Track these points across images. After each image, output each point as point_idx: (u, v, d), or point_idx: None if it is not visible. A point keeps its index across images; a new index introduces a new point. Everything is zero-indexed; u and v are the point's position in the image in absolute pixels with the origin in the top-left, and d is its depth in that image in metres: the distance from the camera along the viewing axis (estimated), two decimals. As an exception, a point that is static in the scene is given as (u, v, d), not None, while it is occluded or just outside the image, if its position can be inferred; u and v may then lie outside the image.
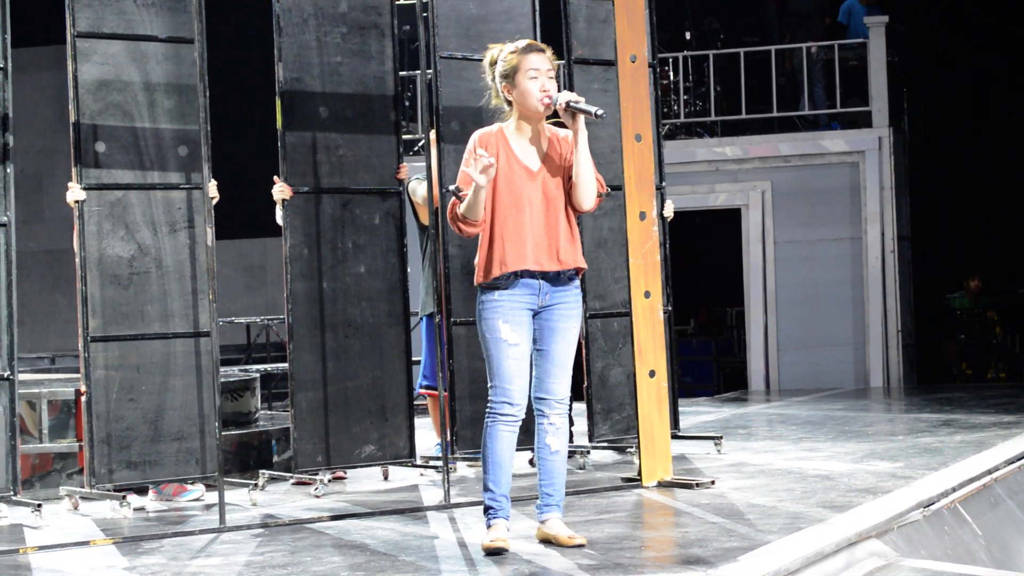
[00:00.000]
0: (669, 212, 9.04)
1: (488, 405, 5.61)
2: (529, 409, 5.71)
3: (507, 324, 5.57)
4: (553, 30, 8.50)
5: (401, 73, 16.22)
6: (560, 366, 5.66)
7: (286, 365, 7.66)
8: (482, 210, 5.54)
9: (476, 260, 5.66)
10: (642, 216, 7.30)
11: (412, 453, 7.83)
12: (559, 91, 5.65)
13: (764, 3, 17.18)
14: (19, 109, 7.08)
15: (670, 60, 15.93)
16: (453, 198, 5.59)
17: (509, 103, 5.70)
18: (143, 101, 7.28)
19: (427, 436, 9.33)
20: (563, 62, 8.57)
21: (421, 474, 8.00)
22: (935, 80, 17.84)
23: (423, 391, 8.58)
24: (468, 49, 8.08)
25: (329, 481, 7.69)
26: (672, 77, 15.98)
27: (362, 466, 7.79)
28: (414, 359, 8.16)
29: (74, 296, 7.19)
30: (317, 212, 7.62)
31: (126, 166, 7.24)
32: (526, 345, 5.61)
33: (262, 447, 8.41)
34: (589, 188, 5.64)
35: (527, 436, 6.25)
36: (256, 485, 7.40)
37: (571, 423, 8.81)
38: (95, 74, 7.16)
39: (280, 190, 7.54)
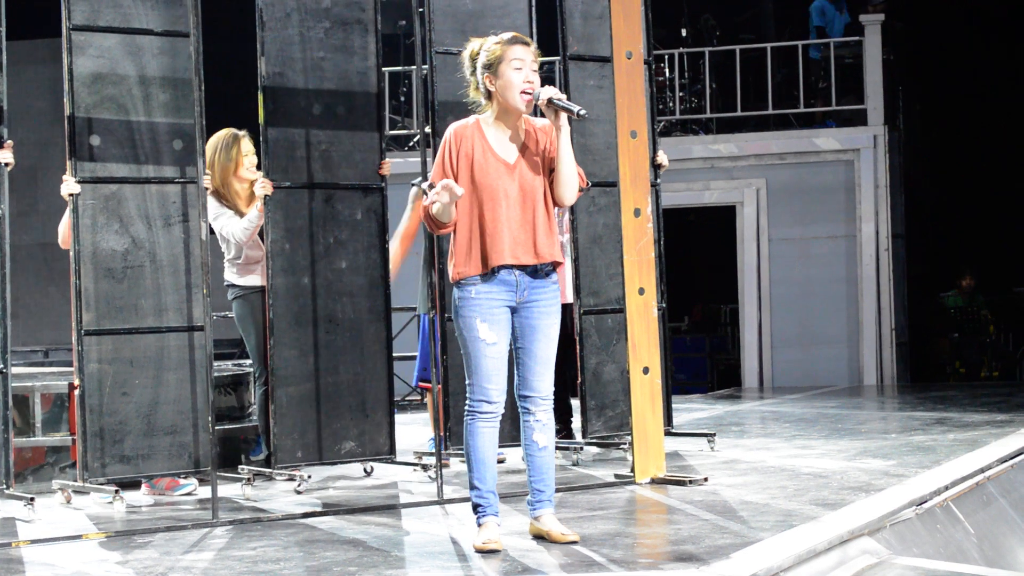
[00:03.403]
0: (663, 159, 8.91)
1: (467, 403, 5.61)
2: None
3: (485, 323, 5.55)
4: (549, 26, 8.50)
5: (397, 68, 16.21)
6: (543, 364, 5.65)
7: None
8: (452, 213, 5.53)
9: (450, 254, 5.63)
10: (637, 213, 7.30)
11: (392, 450, 7.82)
12: (542, 86, 5.63)
13: (760, 0, 17.18)
14: (14, 102, 7.06)
15: (666, 57, 15.93)
16: (427, 202, 5.55)
17: (488, 95, 5.66)
18: (138, 95, 7.26)
19: (418, 432, 9.34)
20: (558, 58, 8.58)
21: (414, 469, 8.00)
22: (930, 78, 17.86)
23: (421, 384, 8.60)
24: (464, 44, 8.04)
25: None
26: (668, 74, 15.98)
27: (342, 462, 7.79)
28: (396, 355, 8.14)
29: (68, 289, 7.18)
30: (299, 207, 7.61)
31: (121, 160, 7.23)
32: (504, 343, 5.59)
33: (254, 442, 8.40)
34: (571, 183, 5.62)
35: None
36: (249, 480, 7.40)
37: (570, 416, 8.83)
38: (90, 67, 7.15)
39: (262, 186, 7.53)
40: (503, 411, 5.63)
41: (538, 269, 5.61)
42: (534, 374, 5.64)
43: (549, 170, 5.63)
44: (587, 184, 5.79)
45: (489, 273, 5.54)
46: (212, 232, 7.41)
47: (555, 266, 5.68)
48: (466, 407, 5.61)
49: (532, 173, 5.60)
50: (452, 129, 5.63)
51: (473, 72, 5.70)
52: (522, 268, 5.58)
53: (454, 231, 5.58)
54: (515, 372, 5.68)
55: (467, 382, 5.61)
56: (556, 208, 5.72)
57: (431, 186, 5.54)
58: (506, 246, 5.53)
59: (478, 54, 5.68)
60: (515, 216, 5.56)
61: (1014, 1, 17.49)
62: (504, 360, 5.60)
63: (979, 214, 18.65)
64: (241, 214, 7.79)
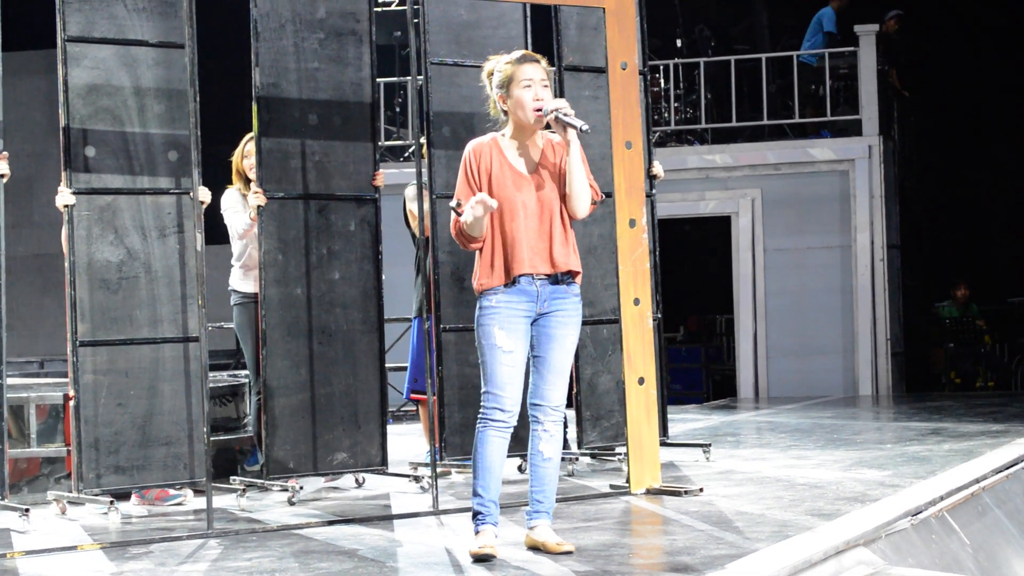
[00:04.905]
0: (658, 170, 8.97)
1: (480, 411, 5.64)
2: (521, 416, 5.72)
3: (503, 331, 5.59)
4: (544, 37, 8.50)
5: (392, 79, 16.20)
6: (557, 373, 5.69)
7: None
8: (484, 228, 5.60)
9: (476, 267, 5.69)
10: (632, 223, 7.31)
11: (384, 461, 7.81)
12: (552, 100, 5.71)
13: (755, 11, 17.21)
14: (9, 113, 7.06)
15: (661, 67, 15.95)
16: (454, 214, 5.62)
17: (505, 113, 5.76)
18: (133, 106, 7.26)
19: (413, 443, 9.32)
20: (554, 69, 8.58)
21: (410, 480, 7.99)
22: (925, 88, 17.88)
23: (413, 396, 8.57)
24: (459, 55, 8.08)
25: (330, 486, 7.76)
26: (663, 84, 16.00)
27: (333, 473, 7.78)
28: (388, 366, 8.13)
29: (63, 300, 7.17)
30: (293, 218, 7.61)
31: (116, 171, 7.23)
32: (521, 353, 5.63)
33: (250, 453, 8.41)
34: (582, 196, 5.69)
35: (517, 443, 6.25)
36: (243, 491, 7.39)
37: (565, 427, 8.83)
38: (85, 78, 7.15)
39: (255, 195, 7.54)
40: (516, 423, 5.65)
41: (559, 279, 5.68)
42: (547, 383, 5.68)
43: (564, 183, 5.69)
44: (601, 197, 5.85)
45: (511, 283, 5.61)
46: (208, 243, 7.38)
47: (574, 275, 5.73)
48: (479, 415, 5.64)
49: (549, 186, 5.71)
50: (470, 147, 5.73)
51: (491, 90, 5.80)
52: (543, 279, 5.64)
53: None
54: (529, 381, 5.70)
55: (482, 390, 5.64)
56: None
57: (458, 204, 5.61)
58: (525, 256, 5.62)
59: (493, 73, 5.78)
60: (532, 227, 5.65)
61: (1009, 12, 17.52)
62: (520, 371, 5.64)
63: (974, 224, 18.67)
64: None
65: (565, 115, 5.65)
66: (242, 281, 7.94)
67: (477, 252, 5.70)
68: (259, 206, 7.51)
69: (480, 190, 5.65)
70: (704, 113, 15.97)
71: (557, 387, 5.70)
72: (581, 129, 5.63)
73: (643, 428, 7.28)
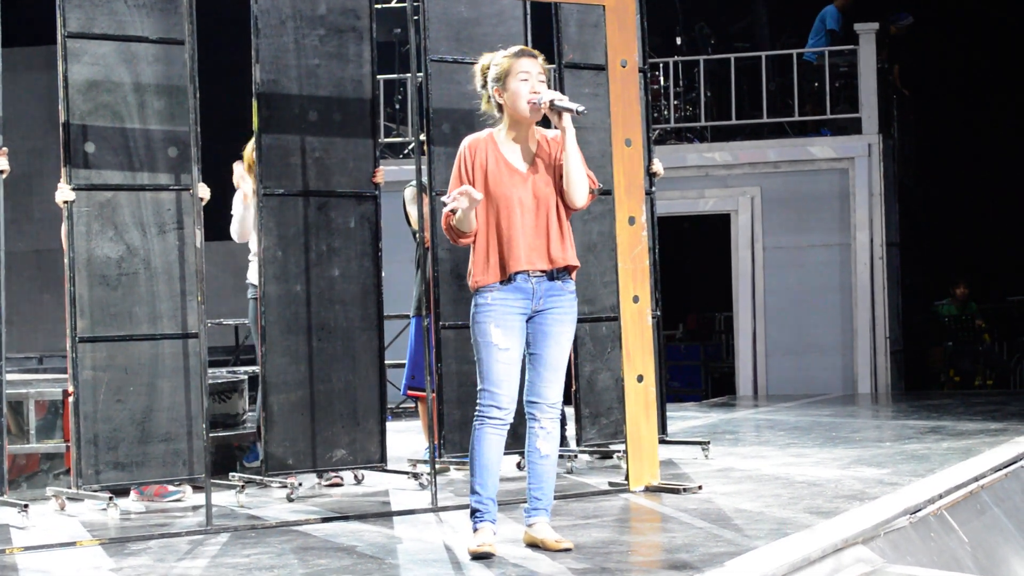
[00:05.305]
0: (658, 168, 9.01)
1: (476, 408, 5.64)
2: (519, 413, 5.72)
3: (499, 328, 5.59)
4: (544, 34, 8.50)
5: (392, 76, 16.18)
6: (552, 370, 5.68)
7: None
8: (473, 222, 5.60)
9: (470, 263, 5.69)
10: (631, 221, 7.31)
11: (383, 458, 7.81)
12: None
13: (755, 9, 17.20)
14: (9, 109, 7.05)
15: (661, 65, 15.93)
16: (447, 210, 5.62)
17: (500, 108, 5.75)
18: (133, 102, 7.26)
19: (412, 440, 9.31)
20: (554, 66, 8.58)
21: (409, 477, 7.99)
22: (925, 87, 17.88)
23: (410, 392, 8.57)
24: (459, 52, 8.08)
25: (326, 485, 7.75)
26: (663, 82, 15.99)
27: (332, 470, 7.79)
28: (388, 363, 8.13)
29: (63, 296, 7.17)
30: (292, 215, 7.60)
31: (115, 167, 7.22)
32: (517, 350, 5.63)
33: (249, 449, 8.41)
34: (579, 184, 5.68)
35: (515, 440, 6.25)
36: (242, 487, 7.39)
37: (564, 424, 8.84)
38: (85, 74, 7.15)
39: (244, 179, 7.55)
40: (512, 419, 5.66)
41: (554, 275, 5.66)
42: (543, 380, 5.68)
43: (560, 177, 5.68)
44: (598, 185, 5.85)
45: (507, 280, 5.60)
46: (208, 239, 7.38)
47: (570, 271, 5.73)
48: (475, 412, 5.64)
49: (545, 182, 5.69)
50: (466, 142, 5.72)
51: (484, 86, 5.79)
52: (538, 276, 5.63)
53: (473, 241, 5.63)
54: (525, 378, 5.70)
55: (478, 388, 5.63)
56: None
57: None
58: (522, 252, 5.61)
59: (488, 68, 5.76)
60: (529, 223, 5.64)
61: (1009, 10, 17.52)
62: (516, 368, 5.64)
63: (973, 223, 18.67)
64: None
65: (559, 101, 5.64)
66: (257, 275, 7.94)
67: (471, 248, 5.69)
68: (259, 202, 7.50)
69: (474, 186, 5.64)
70: (704, 111, 15.96)
71: (553, 384, 5.69)
72: (577, 111, 5.61)
73: (642, 425, 7.29)
